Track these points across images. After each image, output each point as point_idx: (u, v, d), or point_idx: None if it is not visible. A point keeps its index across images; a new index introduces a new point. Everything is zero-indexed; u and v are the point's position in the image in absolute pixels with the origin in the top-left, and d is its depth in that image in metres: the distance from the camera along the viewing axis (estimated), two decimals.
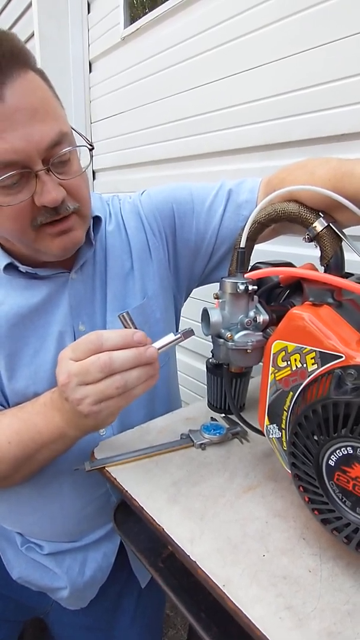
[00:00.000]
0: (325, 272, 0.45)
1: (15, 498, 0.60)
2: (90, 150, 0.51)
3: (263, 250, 0.60)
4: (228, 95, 0.94)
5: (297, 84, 0.79)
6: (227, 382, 0.45)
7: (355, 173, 0.40)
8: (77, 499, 0.60)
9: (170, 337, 0.44)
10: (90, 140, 0.52)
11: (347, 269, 0.46)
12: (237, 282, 0.40)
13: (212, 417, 0.57)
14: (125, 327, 0.42)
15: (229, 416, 0.57)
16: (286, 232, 0.56)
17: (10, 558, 0.64)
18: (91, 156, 0.52)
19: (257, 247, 0.56)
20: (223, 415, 0.58)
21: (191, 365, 1.21)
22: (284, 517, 0.40)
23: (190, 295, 0.73)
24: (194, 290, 0.72)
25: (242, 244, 0.43)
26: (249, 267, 0.49)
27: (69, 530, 0.62)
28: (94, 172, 1.49)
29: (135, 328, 0.42)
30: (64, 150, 0.45)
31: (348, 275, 0.48)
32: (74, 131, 0.49)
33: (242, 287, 0.40)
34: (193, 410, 0.60)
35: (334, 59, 0.73)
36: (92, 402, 0.40)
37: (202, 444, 0.51)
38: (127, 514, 0.52)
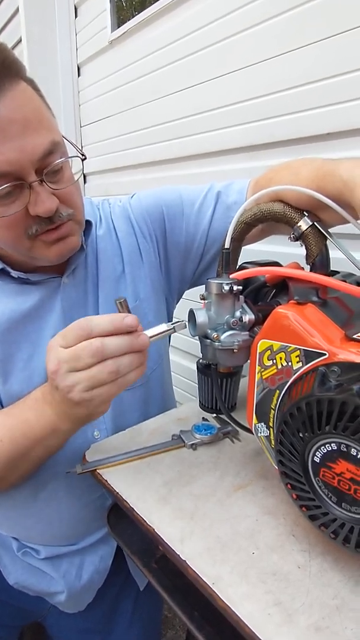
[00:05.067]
0: (311, 270, 0.45)
1: (11, 503, 0.60)
2: (83, 160, 0.51)
3: (254, 250, 0.61)
4: (213, 97, 0.95)
5: (280, 85, 0.80)
6: (215, 382, 0.45)
7: (336, 173, 0.40)
8: (72, 503, 0.60)
9: (163, 327, 0.43)
10: (81, 145, 0.52)
11: (333, 267, 0.47)
12: (222, 283, 0.41)
13: (203, 417, 0.58)
14: (119, 312, 0.41)
15: (221, 416, 0.58)
16: (275, 232, 0.57)
17: (6, 564, 0.63)
18: (83, 164, 0.52)
19: (248, 247, 0.56)
20: (215, 415, 0.59)
21: (184, 365, 1.21)
22: (274, 515, 0.41)
23: (183, 297, 0.73)
24: (186, 292, 0.72)
25: (227, 245, 0.43)
26: (237, 268, 0.50)
27: (66, 533, 0.62)
28: (84, 176, 1.49)
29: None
30: (57, 161, 0.45)
31: (334, 273, 0.49)
32: (65, 140, 0.49)
33: (226, 287, 0.40)
34: (185, 411, 0.61)
35: (316, 60, 0.74)
36: (83, 388, 0.39)
37: (193, 444, 0.51)
38: (121, 516, 0.52)
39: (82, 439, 0.57)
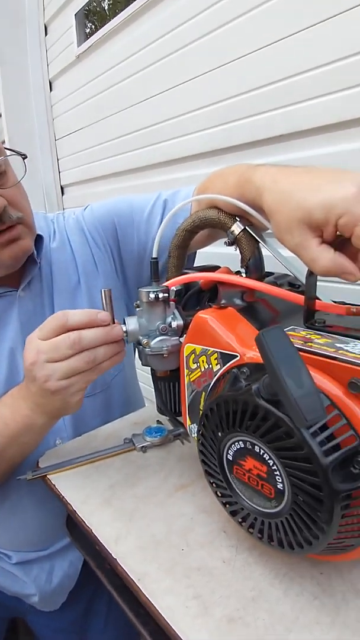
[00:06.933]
0: (245, 273, 0.47)
1: None
2: (24, 159, 0.54)
3: (214, 253, 0.63)
4: (174, 105, 0.97)
5: (235, 89, 0.82)
6: (155, 385, 0.47)
7: (253, 179, 0.41)
8: (37, 510, 0.62)
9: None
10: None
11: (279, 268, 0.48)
12: (149, 291, 0.42)
13: (158, 420, 0.59)
14: (102, 302, 0.43)
15: (178, 418, 0.59)
16: (221, 237, 0.58)
17: None
18: (25, 167, 0.55)
19: (208, 249, 0.58)
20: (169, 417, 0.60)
21: None
22: (209, 513, 0.42)
23: None
24: None
25: (154, 254, 0.45)
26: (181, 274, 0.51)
27: (34, 540, 0.64)
28: (62, 188, 1.52)
29: (111, 307, 0.43)
30: None
31: (268, 275, 0.50)
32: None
33: (152, 295, 0.42)
34: (143, 415, 0.62)
35: (266, 65, 0.75)
36: (59, 376, 0.41)
37: (143, 446, 0.52)
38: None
39: (44, 447, 0.58)
